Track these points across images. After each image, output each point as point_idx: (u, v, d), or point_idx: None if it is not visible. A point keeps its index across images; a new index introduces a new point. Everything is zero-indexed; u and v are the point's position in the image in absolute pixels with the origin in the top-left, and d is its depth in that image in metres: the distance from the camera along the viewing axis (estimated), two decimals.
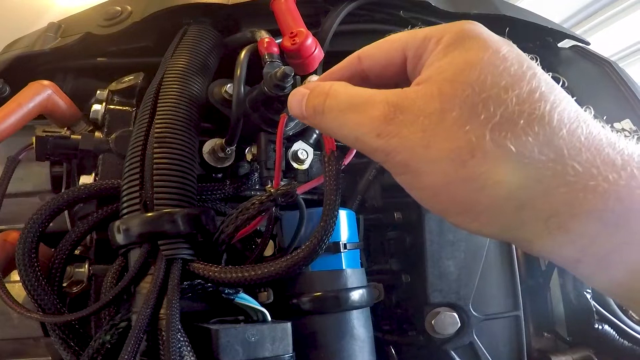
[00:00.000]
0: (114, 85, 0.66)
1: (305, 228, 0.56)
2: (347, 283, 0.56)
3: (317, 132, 0.65)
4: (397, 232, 0.73)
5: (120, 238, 0.48)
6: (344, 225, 0.59)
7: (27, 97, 0.63)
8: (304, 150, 0.64)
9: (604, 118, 0.32)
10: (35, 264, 0.50)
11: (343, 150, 0.46)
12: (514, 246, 0.70)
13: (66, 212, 0.64)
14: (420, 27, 0.37)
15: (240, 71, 0.58)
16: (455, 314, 0.66)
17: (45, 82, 0.66)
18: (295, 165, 0.63)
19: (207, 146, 0.61)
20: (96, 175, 0.60)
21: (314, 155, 0.65)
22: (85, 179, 0.61)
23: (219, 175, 0.63)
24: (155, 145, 0.51)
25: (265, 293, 0.55)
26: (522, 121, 0.29)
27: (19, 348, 0.68)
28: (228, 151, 0.61)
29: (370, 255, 0.73)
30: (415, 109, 0.32)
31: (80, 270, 0.59)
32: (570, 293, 0.73)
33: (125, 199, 0.50)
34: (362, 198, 0.71)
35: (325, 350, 0.53)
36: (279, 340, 0.46)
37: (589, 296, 0.72)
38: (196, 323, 0.46)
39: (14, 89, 0.68)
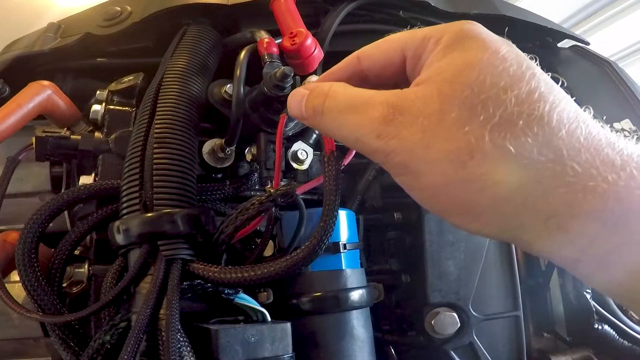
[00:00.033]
0: (113, 86, 0.66)
1: (305, 228, 0.56)
2: (347, 283, 0.56)
3: (316, 132, 0.65)
4: (396, 232, 0.73)
5: (120, 238, 0.48)
6: (344, 225, 0.59)
7: (27, 97, 0.63)
8: (303, 151, 0.64)
9: (604, 118, 0.32)
10: (35, 264, 0.50)
11: (343, 150, 0.46)
12: (513, 246, 0.70)
13: (66, 212, 0.64)
14: (420, 27, 0.37)
15: (239, 71, 0.58)
16: (455, 314, 0.66)
17: (45, 82, 0.66)
18: (294, 165, 0.63)
19: (207, 146, 0.61)
20: (96, 175, 0.60)
21: (313, 155, 0.65)
22: (85, 180, 0.61)
23: (219, 176, 0.63)
24: (155, 145, 0.51)
25: (265, 293, 0.55)
26: (521, 122, 0.29)
27: (19, 348, 0.68)
28: (228, 151, 0.61)
29: (370, 256, 0.73)
30: (415, 110, 0.32)
31: (80, 270, 0.59)
32: (570, 293, 0.73)
33: (125, 199, 0.50)
34: (362, 198, 0.71)
35: (325, 351, 0.53)
36: (278, 341, 0.46)
37: (588, 296, 0.72)
38: (196, 323, 0.46)
39: (13, 89, 0.68)
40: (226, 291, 0.48)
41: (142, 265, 0.46)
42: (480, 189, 0.30)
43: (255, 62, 0.59)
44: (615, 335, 0.72)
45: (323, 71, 0.61)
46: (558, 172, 0.29)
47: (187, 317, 0.45)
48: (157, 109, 0.54)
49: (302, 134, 0.65)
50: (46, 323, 0.50)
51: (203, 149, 0.60)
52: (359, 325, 0.55)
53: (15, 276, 0.63)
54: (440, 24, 0.36)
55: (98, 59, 0.75)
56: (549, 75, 0.32)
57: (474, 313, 0.66)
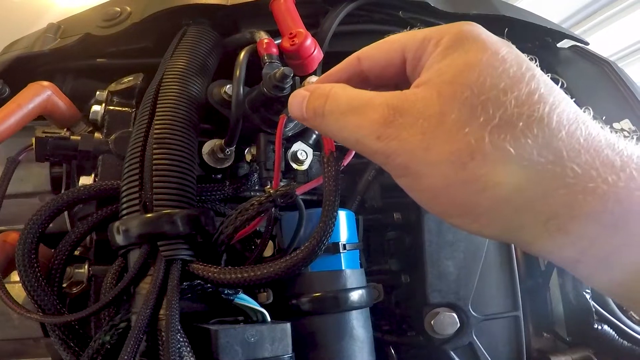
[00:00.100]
0: (113, 86, 0.66)
1: (305, 229, 0.56)
2: (347, 283, 0.56)
3: (316, 132, 0.66)
4: (396, 232, 0.73)
5: (119, 239, 0.48)
6: (344, 225, 0.59)
7: (27, 98, 0.63)
8: (303, 151, 0.64)
9: (603, 118, 0.32)
10: (35, 265, 0.50)
11: (342, 150, 0.46)
12: (513, 246, 0.70)
13: (66, 212, 0.64)
14: (420, 28, 0.37)
15: (239, 72, 0.58)
16: (454, 314, 0.66)
17: (45, 83, 0.66)
18: (294, 165, 0.63)
19: (207, 147, 0.61)
20: (96, 176, 0.60)
21: (313, 155, 0.65)
22: (85, 180, 0.61)
23: (219, 176, 0.63)
24: (155, 146, 0.51)
25: (265, 293, 0.55)
26: (521, 123, 0.29)
27: (19, 348, 0.68)
28: (227, 152, 0.61)
29: (370, 256, 0.73)
30: (415, 111, 0.32)
31: (80, 270, 0.59)
32: (569, 293, 0.73)
33: (124, 199, 0.50)
34: (362, 198, 0.71)
35: (325, 351, 0.53)
36: (278, 341, 0.46)
37: (588, 296, 0.72)
38: (196, 323, 0.46)
39: (13, 89, 0.68)
40: (226, 291, 0.48)
41: (142, 265, 0.46)
42: (480, 190, 0.30)
43: (255, 62, 0.59)
44: (615, 335, 0.72)
45: (323, 72, 0.61)
46: (558, 173, 0.29)
47: (186, 318, 0.45)
48: (157, 110, 0.54)
49: (301, 135, 0.65)
50: (46, 323, 0.50)
51: (203, 150, 0.60)
52: (359, 325, 0.55)
53: (15, 276, 0.63)
54: (440, 24, 0.36)
55: (98, 60, 0.75)
56: (548, 76, 0.32)
57: (473, 313, 0.66)
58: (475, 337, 0.66)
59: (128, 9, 0.72)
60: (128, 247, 0.48)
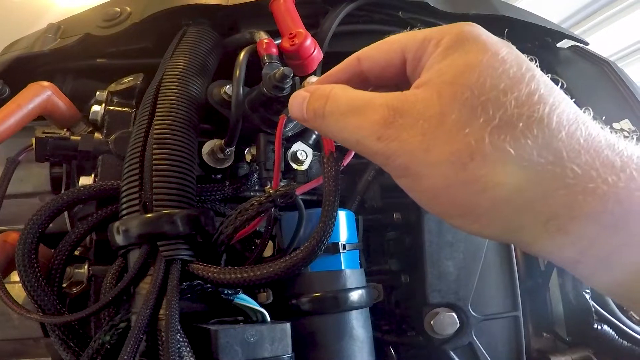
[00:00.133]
0: (113, 86, 0.66)
1: (305, 229, 0.56)
2: (346, 283, 0.56)
3: (316, 132, 0.66)
4: (396, 232, 0.73)
5: (119, 239, 0.48)
6: (343, 226, 0.59)
7: (27, 98, 0.63)
8: (303, 151, 0.64)
9: (603, 118, 0.32)
10: (35, 265, 0.50)
11: (342, 151, 0.46)
12: (512, 246, 0.70)
13: (66, 213, 0.64)
14: (420, 28, 0.37)
15: (239, 72, 0.58)
16: (454, 314, 0.66)
17: (45, 83, 0.66)
18: (294, 166, 0.63)
19: (207, 147, 0.61)
20: (96, 176, 0.60)
21: (313, 156, 0.65)
22: (85, 180, 0.61)
23: (219, 176, 0.63)
24: (155, 146, 0.51)
25: (265, 294, 0.55)
26: (521, 124, 0.29)
27: (19, 348, 0.68)
28: (227, 152, 0.61)
29: (370, 256, 0.73)
30: (415, 112, 0.32)
31: (79, 271, 0.59)
32: (569, 293, 0.73)
33: (124, 199, 0.50)
34: (362, 199, 0.71)
35: (325, 351, 0.53)
36: (278, 341, 0.46)
37: (588, 296, 0.72)
38: (195, 323, 0.46)
39: (13, 90, 0.68)
40: (226, 291, 0.48)
41: (142, 265, 0.46)
42: (480, 190, 0.30)
43: (255, 62, 0.59)
44: (615, 335, 0.72)
45: (322, 72, 0.61)
46: (558, 174, 0.29)
47: (186, 318, 0.45)
48: (157, 110, 0.54)
49: (301, 135, 0.65)
50: (46, 323, 0.50)
51: (203, 150, 0.60)
52: (359, 325, 0.55)
53: (15, 277, 0.63)
54: (440, 24, 0.36)
55: (98, 60, 0.75)
56: (548, 76, 0.32)
57: (473, 313, 0.66)
58: (475, 337, 0.66)
59: (128, 9, 0.72)
60: (128, 247, 0.48)
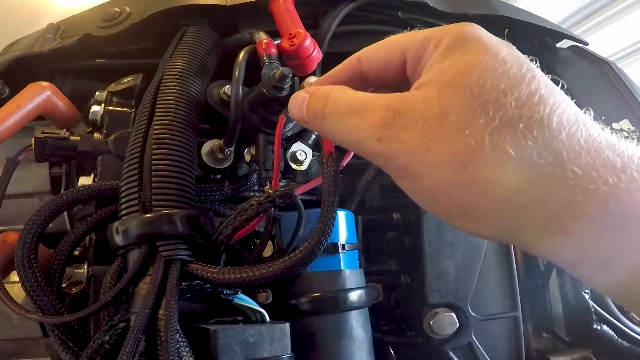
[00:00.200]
0: (112, 87, 0.66)
1: (304, 229, 0.56)
2: (346, 284, 0.56)
3: (315, 133, 0.66)
4: (395, 232, 0.73)
5: (119, 239, 0.48)
6: (343, 226, 0.59)
7: (26, 98, 0.63)
8: (302, 151, 0.64)
9: (602, 118, 0.32)
10: (35, 265, 0.50)
11: (341, 151, 0.46)
12: (512, 247, 0.70)
13: (65, 213, 0.64)
14: (420, 28, 0.37)
15: (238, 72, 0.58)
16: (453, 315, 0.66)
17: (45, 83, 0.66)
18: (293, 166, 0.63)
19: (206, 147, 0.61)
20: (95, 176, 0.60)
21: (312, 156, 0.65)
22: (84, 180, 0.61)
23: (218, 176, 0.63)
24: (154, 146, 0.51)
25: (264, 294, 0.55)
26: (521, 125, 0.29)
27: (19, 348, 0.68)
28: (227, 152, 0.61)
29: (369, 256, 0.73)
30: (415, 113, 0.32)
31: (79, 271, 0.59)
32: (568, 293, 0.73)
33: (124, 200, 0.50)
34: (361, 199, 0.71)
35: (324, 351, 0.53)
36: (277, 341, 0.46)
37: (587, 296, 0.72)
38: (195, 324, 0.46)
39: (13, 90, 0.68)
40: (225, 292, 0.48)
41: (141, 265, 0.46)
42: (481, 191, 0.30)
43: (254, 63, 0.59)
44: (614, 335, 0.72)
45: (322, 72, 0.61)
46: (558, 175, 0.29)
47: (186, 318, 0.45)
48: (156, 110, 0.54)
49: (301, 135, 0.65)
50: (45, 323, 0.50)
51: (202, 150, 0.60)
52: (358, 325, 0.55)
53: (14, 277, 0.63)
54: (439, 24, 0.36)
55: (97, 60, 0.75)
56: (549, 77, 0.32)
57: (472, 313, 0.66)
58: (474, 338, 0.66)
59: (127, 9, 0.72)
60: (127, 247, 0.48)
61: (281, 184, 0.60)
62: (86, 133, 0.65)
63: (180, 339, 0.42)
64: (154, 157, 0.50)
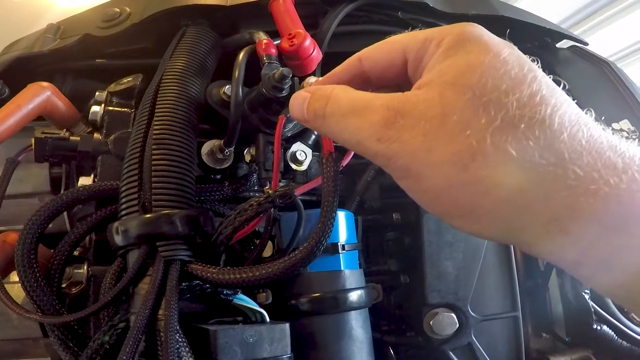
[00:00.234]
0: (112, 87, 0.66)
1: (304, 229, 0.56)
2: (346, 284, 0.56)
3: (315, 133, 0.66)
4: (395, 233, 0.73)
5: (118, 239, 0.48)
6: (342, 226, 0.59)
7: (26, 98, 0.63)
8: (302, 152, 0.64)
9: (602, 118, 0.32)
10: (35, 265, 0.50)
11: (341, 151, 0.46)
12: (512, 247, 0.70)
13: (65, 213, 0.64)
14: (421, 28, 0.37)
15: (238, 72, 0.58)
16: (453, 315, 0.66)
17: (45, 83, 0.66)
18: (293, 166, 0.63)
19: (206, 147, 0.61)
20: (95, 176, 0.60)
21: (312, 156, 0.65)
22: (84, 181, 0.61)
23: (218, 177, 0.63)
24: (154, 146, 0.51)
25: (264, 294, 0.55)
26: (522, 125, 0.29)
27: (19, 348, 0.68)
28: (227, 152, 0.61)
29: (369, 256, 0.73)
30: (416, 113, 0.32)
31: (79, 271, 0.59)
32: (568, 293, 0.73)
33: (123, 200, 0.50)
34: (361, 199, 0.71)
35: (324, 351, 0.53)
36: (277, 341, 0.46)
37: (587, 297, 0.72)
38: (194, 324, 0.46)
39: (13, 90, 0.68)
40: (225, 292, 0.48)
41: (141, 266, 0.46)
42: (482, 191, 0.30)
43: (254, 63, 0.59)
44: (614, 335, 0.72)
45: (322, 72, 0.61)
46: (559, 175, 0.29)
47: (185, 318, 0.45)
48: (156, 110, 0.54)
49: (301, 135, 0.65)
50: (45, 323, 0.50)
51: (202, 150, 0.60)
52: (358, 325, 0.55)
53: (14, 277, 0.63)
54: (439, 24, 0.36)
55: (97, 60, 0.75)
56: (550, 77, 0.32)
57: (472, 314, 0.66)
58: (474, 338, 0.66)
59: (127, 9, 0.72)
60: (127, 248, 0.48)
61: (281, 184, 0.60)
62: (86, 133, 0.65)
63: (180, 339, 0.42)
64: (153, 157, 0.50)
